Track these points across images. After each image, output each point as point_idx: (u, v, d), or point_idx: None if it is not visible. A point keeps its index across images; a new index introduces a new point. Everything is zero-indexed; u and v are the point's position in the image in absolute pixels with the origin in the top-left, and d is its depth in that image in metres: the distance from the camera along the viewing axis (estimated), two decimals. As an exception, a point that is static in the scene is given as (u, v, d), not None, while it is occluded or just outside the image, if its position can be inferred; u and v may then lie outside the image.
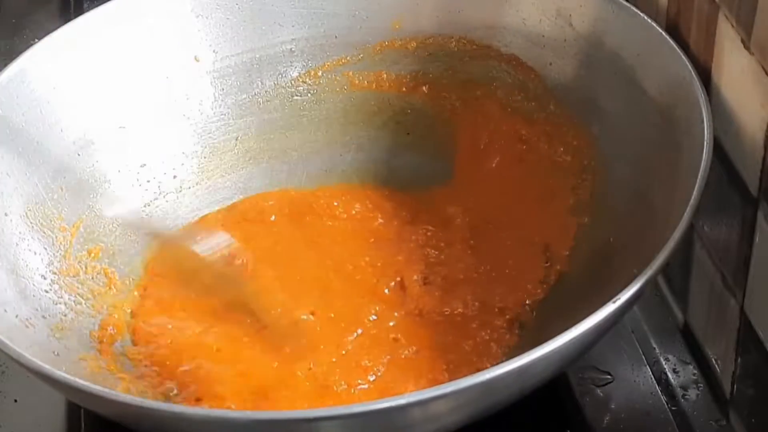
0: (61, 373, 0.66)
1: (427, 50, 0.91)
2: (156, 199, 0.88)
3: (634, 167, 0.79)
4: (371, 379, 0.76)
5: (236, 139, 0.91)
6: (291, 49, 0.91)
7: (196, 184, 0.90)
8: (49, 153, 0.83)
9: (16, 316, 0.74)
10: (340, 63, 0.91)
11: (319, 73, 0.92)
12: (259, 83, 0.91)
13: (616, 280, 0.73)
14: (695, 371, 0.81)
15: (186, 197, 0.89)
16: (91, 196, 0.85)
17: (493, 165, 0.88)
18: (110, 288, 0.82)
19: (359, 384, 0.76)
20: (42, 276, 0.79)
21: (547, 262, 0.82)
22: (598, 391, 0.78)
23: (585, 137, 0.84)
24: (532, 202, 0.85)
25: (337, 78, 0.92)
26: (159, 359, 0.78)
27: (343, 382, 0.76)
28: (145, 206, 0.87)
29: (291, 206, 0.89)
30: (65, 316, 0.78)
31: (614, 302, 0.66)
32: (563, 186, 0.84)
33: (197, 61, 0.89)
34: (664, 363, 0.81)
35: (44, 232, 0.81)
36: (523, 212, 0.85)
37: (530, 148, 0.87)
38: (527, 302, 0.81)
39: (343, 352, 0.78)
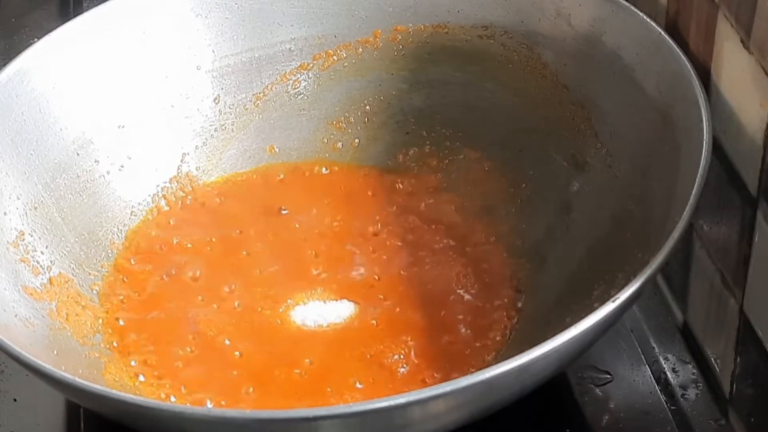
0: (61, 373, 0.66)
1: (426, 50, 0.91)
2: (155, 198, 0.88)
3: (633, 167, 0.79)
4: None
5: (235, 139, 0.91)
6: (290, 48, 0.91)
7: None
8: (49, 152, 0.83)
9: (16, 316, 0.74)
10: (340, 63, 0.91)
11: (319, 73, 0.92)
12: (259, 83, 0.91)
13: (615, 280, 0.73)
14: (694, 371, 0.81)
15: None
16: (91, 195, 0.85)
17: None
18: (110, 288, 0.83)
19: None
20: (42, 275, 0.79)
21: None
22: (598, 390, 0.78)
23: (584, 135, 0.84)
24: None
25: (337, 78, 0.92)
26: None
27: None
28: (144, 206, 0.88)
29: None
30: (65, 316, 0.78)
31: (613, 301, 0.66)
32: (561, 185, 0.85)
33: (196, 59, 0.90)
34: (663, 362, 0.81)
35: (44, 232, 0.81)
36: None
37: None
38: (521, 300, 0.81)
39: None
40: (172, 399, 0.76)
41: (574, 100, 0.85)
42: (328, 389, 0.76)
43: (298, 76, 0.92)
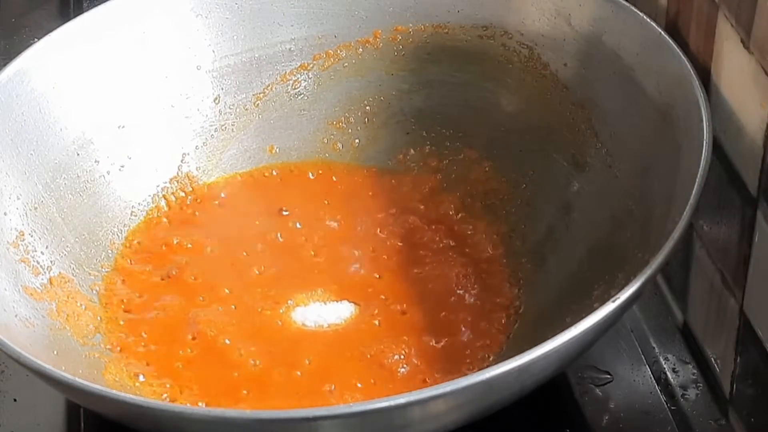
0: (61, 373, 0.66)
1: (426, 50, 0.91)
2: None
3: (633, 167, 0.79)
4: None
5: (235, 139, 0.91)
6: (290, 48, 0.91)
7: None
8: (49, 152, 0.83)
9: (16, 316, 0.74)
10: (340, 63, 0.91)
11: (319, 73, 0.92)
12: (259, 83, 0.91)
13: (615, 280, 0.73)
14: (695, 371, 0.81)
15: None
16: (91, 195, 0.85)
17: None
18: (110, 288, 0.83)
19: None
20: (42, 275, 0.79)
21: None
22: (598, 390, 0.78)
23: (584, 135, 0.84)
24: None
25: (337, 78, 0.92)
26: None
27: None
28: (144, 206, 0.88)
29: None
30: (65, 316, 0.78)
31: (613, 301, 0.66)
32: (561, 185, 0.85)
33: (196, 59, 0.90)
34: (663, 362, 0.81)
35: (44, 232, 0.81)
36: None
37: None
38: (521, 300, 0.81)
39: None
40: (172, 399, 0.76)
41: (574, 100, 0.85)
42: (328, 389, 0.76)
43: (298, 76, 0.92)
